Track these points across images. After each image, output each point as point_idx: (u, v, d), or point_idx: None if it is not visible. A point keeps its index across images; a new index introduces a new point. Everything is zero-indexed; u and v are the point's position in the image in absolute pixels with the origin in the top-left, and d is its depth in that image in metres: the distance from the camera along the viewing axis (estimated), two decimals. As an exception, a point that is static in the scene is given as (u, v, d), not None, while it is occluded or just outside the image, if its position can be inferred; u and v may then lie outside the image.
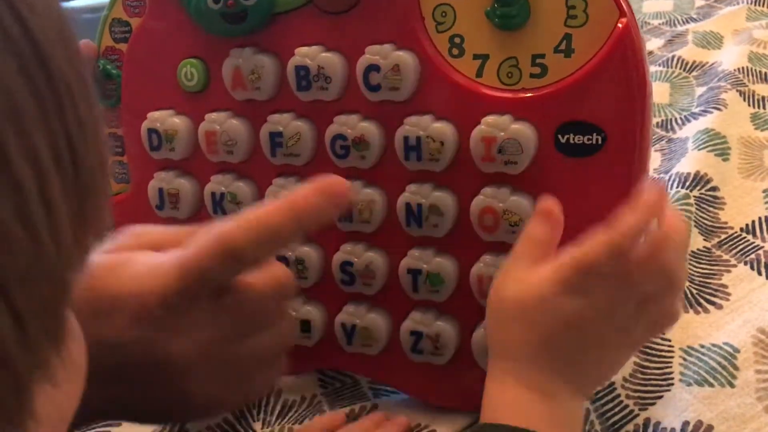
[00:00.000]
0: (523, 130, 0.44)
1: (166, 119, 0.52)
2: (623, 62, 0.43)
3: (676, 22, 0.87)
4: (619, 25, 0.42)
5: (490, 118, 0.44)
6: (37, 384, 0.25)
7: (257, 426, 0.53)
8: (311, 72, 0.47)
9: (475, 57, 0.45)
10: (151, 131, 0.52)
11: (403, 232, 0.48)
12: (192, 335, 0.39)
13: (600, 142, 0.43)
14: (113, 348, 0.39)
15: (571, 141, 0.44)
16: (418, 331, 0.49)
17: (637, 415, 0.48)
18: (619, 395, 0.49)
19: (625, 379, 0.50)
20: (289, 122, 0.49)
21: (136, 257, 0.40)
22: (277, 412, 0.53)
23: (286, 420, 0.53)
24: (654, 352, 0.51)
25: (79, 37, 0.28)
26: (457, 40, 0.45)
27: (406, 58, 0.45)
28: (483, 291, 0.47)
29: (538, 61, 0.44)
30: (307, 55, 0.47)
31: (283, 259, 0.51)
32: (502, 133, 0.44)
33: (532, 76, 0.44)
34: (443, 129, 0.46)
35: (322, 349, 0.53)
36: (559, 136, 0.44)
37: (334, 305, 0.51)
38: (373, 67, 0.46)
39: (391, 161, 0.48)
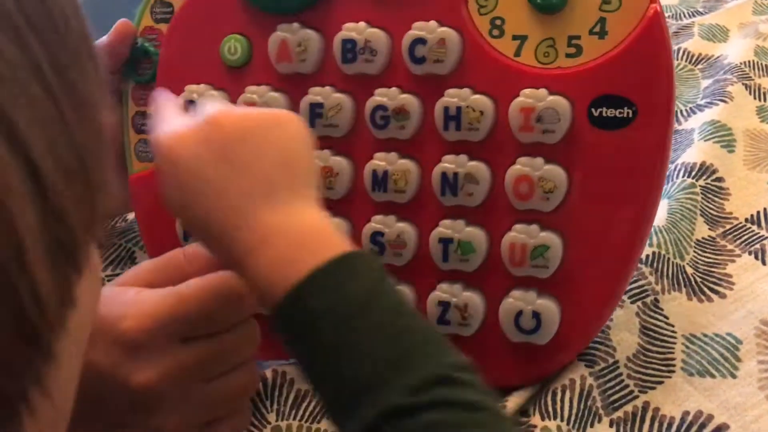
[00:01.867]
0: (560, 100, 0.47)
1: (204, 92, 0.54)
2: (653, 43, 0.47)
3: (682, 15, 0.89)
4: (651, 10, 0.47)
5: (528, 90, 0.47)
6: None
7: (271, 417, 0.51)
8: (358, 45, 0.50)
9: (515, 38, 0.49)
10: (188, 103, 0.54)
11: (437, 202, 0.50)
12: (158, 367, 0.40)
13: (631, 115, 0.47)
14: (93, 371, 0.40)
15: (604, 114, 0.47)
16: (446, 301, 0.50)
17: (637, 396, 0.49)
18: (621, 374, 0.50)
19: (628, 359, 0.51)
20: (330, 94, 0.51)
21: (129, 290, 0.43)
22: (290, 402, 0.52)
23: (301, 412, 0.52)
24: (657, 335, 0.52)
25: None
26: (498, 22, 0.49)
27: (451, 32, 0.49)
28: (515, 259, 0.48)
29: (573, 42, 0.48)
30: (355, 29, 0.50)
31: (312, 230, 0.52)
32: (541, 103, 0.47)
33: (567, 55, 0.48)
34: (483, 99, 0.48)
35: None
36: (593, 110, 0.47)
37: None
38: (419, 41, 0.49)
39: (429, 133, 0.50)
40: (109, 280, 0.63)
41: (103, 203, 0.26)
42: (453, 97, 0.49)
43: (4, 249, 0.21)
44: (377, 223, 0.51)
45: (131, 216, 0.66)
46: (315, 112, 0.51)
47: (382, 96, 0.50)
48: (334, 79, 0.51)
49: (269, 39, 0.52)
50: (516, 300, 0.48)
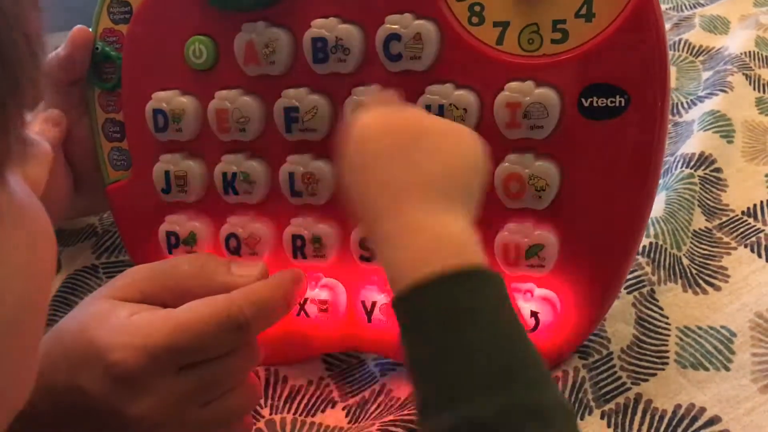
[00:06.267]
0: (547, 93, 0.44)
1: (172, 99, 0.51)
2: (644, 25, 0.43)
3: (684, 6, 0.88)
4: (639, -12, 0.43)
5: (513, 84, 0.45)
6: None
7: (265, 412, 0.51)
8: (329, 44, 0.47)
9: (495, 24, 0.45)
10: (157, 111, 0.51)
11: (425, 203, 0.48)
12: (153, 397, 0.40)
13: (623, 104, 0.44)
14: (86, 398, 0.40)
15: (595, 104, 0.44)
16: (442, 304, 0.48)
17: (629, 388, 0.48)
18: (614, 366, 0.49)
19: (622, 350, 0.50)
20: (305, 96, 0.48)
21: (121, 308, 0.41)
22: (284, 397, 0.52)
23: (295, 405, 0.52)
24: (652, 327, 0.51)
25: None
26: (476, 8, 0.46)
27: (427, 25, 0.45)
28: (509, 259, 0.47)
29: (558, 26, 0.44)
30: (324, 26, 0.47)
31: (299, 238, 0.50)
32: (527, 98, 0.44)
33: (553, 41, 0.45)
34: (466, 96, 0.46)
35: (340, 328, 0.52)
36: (583, 100, 0.44)
37: (353, 283, 0.50)
38: (393, 36, 0.46)
39: (412, 132, 0.47)
40: (104, 268, 0.62)
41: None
42: (434, 95, 0.46)
43: None
44: (365, 227, 0.49)
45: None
46: (290, 117, 0.48)
47: (361, 95, 0.47)
48: (307, 80, 0.48)
49: (235, 40, 0.49)
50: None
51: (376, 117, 0.40)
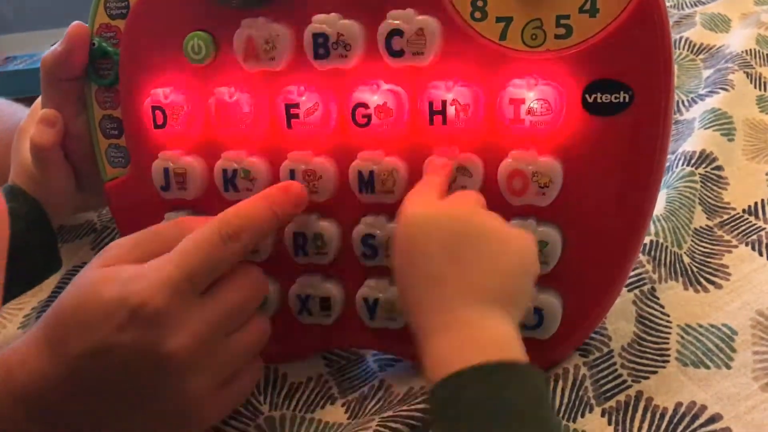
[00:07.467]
0: (551, 88, 0.44)
1: (170, 94, 0.50)
2: (648, 20, 0.43)
3: (684, 4, 0.87)
4: (644, -17, 0.43)
5: (517, 81, 0.44)
6: None
7: (264, 408, 0.51)
8: (330, 39, 0.46)
9: (498, 20, 0.45)
10: (155, 108, 0.50)
11: (428, 200, 0.47)
12: (186, 329, 0.41)
13: (627, 100, 0.44)
14: (111, 355, 0.40)
15: (599, 100, 0.44)
16: (445, 301, 0.48)
17: (630, 386, 0.48)
18: (615, 363, 0.49)
19: (623, 348, 0.50)
20: (305, 93, 0.48)
21: (121, 269, 0.42)
22: (283, 394, 0.52)
23: (294, 402, 0.51)
24: (652, 325, 0.51)
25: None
26: (479, 3, 0.45)
27: (429, 21, 0.45)
28: (512, 256, 0.46)
29: (562, 22, 0.44)
30: (326, 22, 0.46)
31: (300, 236, 0.50)
32: (531, 93, 0.44)
33: (557, 37, 0.44)
34: (470, 91, 0.45)
35: (342, 327, 0.51)
36: (587, 96, 0.44)
37: (354, 281, 0.50)
38: (396, 32, 0.45)
39: (415, 128, 0.47)
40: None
41: None
42: (437, 89, 0.45)
43: None
44: (367, 225, 0.49)
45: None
46: (291, 114, 0.48)
47: (363, 92, 0.47)
48: (308, 75, 0.48)
49: (234, 36, 0.48)
50: (517, 297, 0.47)
51: (424, 206, 0.42)
